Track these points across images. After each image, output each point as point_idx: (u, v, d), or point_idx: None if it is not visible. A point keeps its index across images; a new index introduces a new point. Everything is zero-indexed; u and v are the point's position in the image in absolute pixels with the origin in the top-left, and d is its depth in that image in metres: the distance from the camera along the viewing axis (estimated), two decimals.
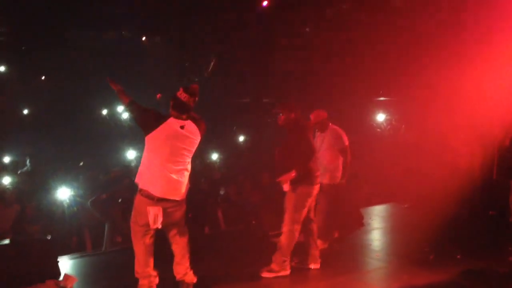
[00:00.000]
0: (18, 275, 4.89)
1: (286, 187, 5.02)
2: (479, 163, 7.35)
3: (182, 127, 4.24)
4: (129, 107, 4.33)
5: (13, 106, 15.80)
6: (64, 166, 10.50)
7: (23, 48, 15.59)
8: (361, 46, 11.52)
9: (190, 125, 4.31)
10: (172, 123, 4.22)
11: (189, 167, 4.38)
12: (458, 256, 5.71)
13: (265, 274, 5.07)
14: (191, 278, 4.51)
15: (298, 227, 5.03)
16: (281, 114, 5.12)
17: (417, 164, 9.30)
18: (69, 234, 7.16)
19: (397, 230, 7.45)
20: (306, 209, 5.08)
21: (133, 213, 4.38)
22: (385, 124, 12.65)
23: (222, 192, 9.18)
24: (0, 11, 13.44)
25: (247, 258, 5.87)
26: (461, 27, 8.72)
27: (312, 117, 6.17)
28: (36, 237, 6.19)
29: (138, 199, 4.29)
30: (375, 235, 6.99)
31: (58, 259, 5.34)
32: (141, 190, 4.23)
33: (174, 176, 4.21)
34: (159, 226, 4.24)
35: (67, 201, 7.51)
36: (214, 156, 12.34)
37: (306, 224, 5.19)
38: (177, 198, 4.31)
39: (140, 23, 15.68)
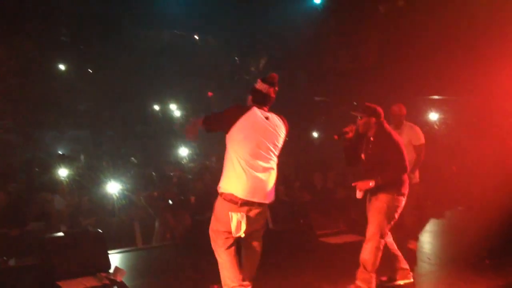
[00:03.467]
0: (70, 266, 5.05)
1: (359, 194, 4.51)
2: None
3: (267, 118, 3.82)
4: (205, 125, 3.92)
5: (70, 102, 16.39)
6: (117, 162, 10.81)
7: (81, 47, 16.18)
8: (414, 43, 11.21)
9: (274, 117, 3.89)
10: (256, 113, 3.79)
11: (275, 167, 3.90)
12: None
13: None
14: None
15: (383, 241, 4.50)
16: (360, 118, 4.60)
17: (472, 166, 8.94)
18: (120, 227, 7.33)
19: (450, 233, 7.19)
20: (392, 222, 4.55)
21: (212, 218, 3.95)
22: (438, 124, 12.20)
23: None
24: (62, 13, 14.02)
25: (295, 258, 5.81)
26: None
27: (394, 110, 5.92)
28: (88, 229, 6.36)
29: (219, 203, 3.86)
30: (427, 238, 6.77)
31: (109, 252, 5.48)
32: (222, 193, 3.81)
33: (260, 175, 3.75)
34: (242, 235, 3.80)
35: (117, 195, 7.69)
36: None
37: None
38: (263, 201, 3.82)
39: (192, 22, 15.92)
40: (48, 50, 14.53)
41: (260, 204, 3.80)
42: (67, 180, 8.57)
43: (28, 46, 13.11)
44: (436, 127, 11.92)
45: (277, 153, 3.89)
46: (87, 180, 8.82)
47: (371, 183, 4.43)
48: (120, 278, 4.88)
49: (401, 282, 4.70)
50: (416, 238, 6.11)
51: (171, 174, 9.78)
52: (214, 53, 18.01)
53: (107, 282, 4.84)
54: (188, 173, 10.15)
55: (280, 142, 3.90)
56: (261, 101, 3.87)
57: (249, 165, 3.72)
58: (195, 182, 8.77)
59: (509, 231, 6.44)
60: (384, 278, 4.77)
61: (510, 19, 8.77)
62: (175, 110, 18.97)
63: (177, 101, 18.41)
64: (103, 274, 5.03)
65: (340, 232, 6.88)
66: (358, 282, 4.50)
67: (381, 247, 4.46)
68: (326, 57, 14.60)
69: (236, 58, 17.28)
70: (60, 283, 4.77)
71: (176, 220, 7.02)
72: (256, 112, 3.79)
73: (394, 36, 12.32)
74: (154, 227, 7.27)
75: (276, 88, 3.92)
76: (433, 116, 12.25)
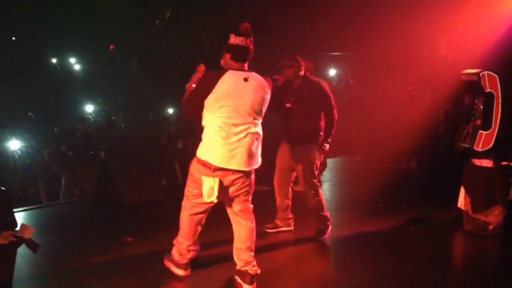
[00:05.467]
0: None
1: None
2: (428, 118, 7.69)
3: (246, 80, 3.50)
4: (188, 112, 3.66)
5: None
6: (15, 117, 10.23)
7: None
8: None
9: (255, 77, 3.56)
10: (232, 77, 3.46)
11: (260, 131, 3.63)
12: (405, 205, 6.07)
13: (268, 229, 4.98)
14: (255, 269, 3.74)
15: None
16: (289, 68, 4.67)
17: (369, 118, 9.57)
18: (24, 185, 7.06)
19: (348, 182, 7.73)
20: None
21: (188, 178, 3.72)
22: (337, 79, 12.77)
23: (179, 145, 9.20)
24: None
25: None
26: None
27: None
28: None
29: (194, 166, 3.62)
30: (327, 186, 7.21)
31: (14, 210, 5.29)
32: (197, 158, 3.58)
33: (239, 142, 3.49)
34: (214, 200, 3.56)
35: (19, 152, 7.36)
36: (170, 110, 12.26)
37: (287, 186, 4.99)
38: (242, 168, 3.54)
39: None
40: None
41: (238, 171, 3.54)
42: None
43: None
44: (334, 83, 12.51)
45: (261, 115, 3.63)
46: None
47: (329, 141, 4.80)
48: (28, 235, 4.73)
49: (285, 229, 5.04)
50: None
51: (75, 128, 9.45)
52: (117, 5, 17.23)
53: (14, 239, 4.69)
54: (93, 128, 9.86)
55: (263, 103, 3.61)
56: (242, 56, 3.55)
57: (227, 132, 3.46)
58: (103, 137, 8.57)
59: (400, 179, 7.14)
60: (269, 225, 5.04)
61: None
62: (75, 63, 18.04)
63: (78, 54, 17.50)
64: (9, 232, 4.87)
65: None
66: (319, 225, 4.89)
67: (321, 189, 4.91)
68: (231, 13, 14.57)
69: (140, 9, 16.66)
70: None
71: (85, 175, 6.89)
72: (232, 76, 3.46)
73: None
74: (60, 184, 7.08)
75: (252, 39, 3.60)
76: (332, 72, 12.82)
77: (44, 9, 15.14)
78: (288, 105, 4.74)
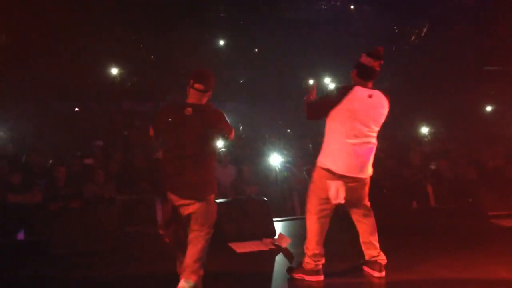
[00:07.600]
0: (238, 230, 5.38)
1: None
2: None
3: (370, 96, 3.87)
4: (310, 114, 4.10)
5: (230, 76, 17.21)
6: (275, 133, 11.12)
7: (241, 22, 16.86)
8: None
9: (378, 95, 3.92)
10: (359, 92, 3.85)
11: (375, 142, 3.99)
12: None
13: None
14: (383, 258, 4.19)
15: None
16: None
17: None
18: (281, 197, 7.56)
19: None
20: None
21: (311, 187, 4.10)
22: None
23: (433, 167, 8.67)
24: None
25: (463, 240, 5.45)
26: None
27: None
28: (253, 197, 6.67)
29: (318, 174, 4.02)
30: None
31: (273, 220, 5.70)
32: (320, 167, 3.99)
33: (357, 152, 3.87)
34: (342, 201, 3.95)
35: (279, 166, 7.93)
36: (424, 129, 11.65)
37: None
38: (361, 176, 3.97)
39: None
40: (212, 27, 15.41)
41: (355, 179, 3.94)
42: (224, 149, 8.91)
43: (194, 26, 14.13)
44: None
45: (377, 129, 3.97)
46: (247, 150, 9.22)
47: None
48: (285, 244, 5.04)
49: None
50: None
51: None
52: (369, 22, 17.40)
53: (273, 247, 5.04)
54: None
55: (381, 120, 3.97)
56: (366, 76, 3.91)
57: (348, 143, 3.85)
58: None
59: None
60: None
61: None
62: (328, 83, 18.84)
63: (330, 74, 18.25)
64: (269, 240, 5.25)
65: None
66: None
67: None
68: (501, 22, 13.13)
69: (394, 25, 16.45)
70: (231, 245, 5.09)
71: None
72: (358, 92, 3.84)
73: None
74: None
75: (382, 62, 3.90)
76: None
77: (300, 33, 16.23)
78: None
